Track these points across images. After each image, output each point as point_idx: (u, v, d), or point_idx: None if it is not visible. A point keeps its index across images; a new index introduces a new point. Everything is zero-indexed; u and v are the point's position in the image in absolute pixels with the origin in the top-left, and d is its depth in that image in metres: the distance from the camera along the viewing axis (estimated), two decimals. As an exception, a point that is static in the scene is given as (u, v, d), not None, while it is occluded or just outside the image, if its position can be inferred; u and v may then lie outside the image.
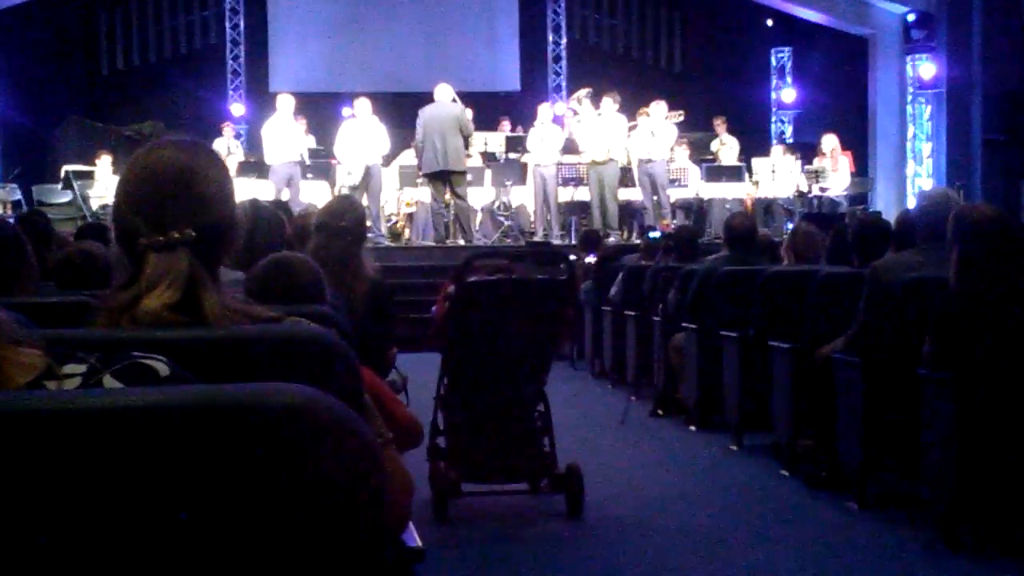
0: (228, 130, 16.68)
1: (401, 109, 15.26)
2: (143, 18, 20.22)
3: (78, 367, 1.45)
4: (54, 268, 4.04)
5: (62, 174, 15.43)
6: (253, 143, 17.36)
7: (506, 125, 16.52)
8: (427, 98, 14.62)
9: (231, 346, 1.72)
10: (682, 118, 15.38)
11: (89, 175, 15.31)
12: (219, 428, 1.21)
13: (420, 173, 14.15)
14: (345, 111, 16.52)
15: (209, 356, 1.67)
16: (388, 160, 15.02)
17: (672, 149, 15.03)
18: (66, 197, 15.29)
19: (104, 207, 14.57)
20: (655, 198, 14.67)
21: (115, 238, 1.87)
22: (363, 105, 14.28)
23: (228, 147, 15.82)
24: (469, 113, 14.09)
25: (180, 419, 1.22)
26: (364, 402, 1.76)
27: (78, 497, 1.20)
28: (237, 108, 19.66)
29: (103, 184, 15.00)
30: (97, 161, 15.39)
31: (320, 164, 15.15)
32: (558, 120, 15.72)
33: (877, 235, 6.12)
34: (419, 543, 2.64)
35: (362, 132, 14.15)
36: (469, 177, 14.26)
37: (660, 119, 14.75)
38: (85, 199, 14.94)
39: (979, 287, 4.63)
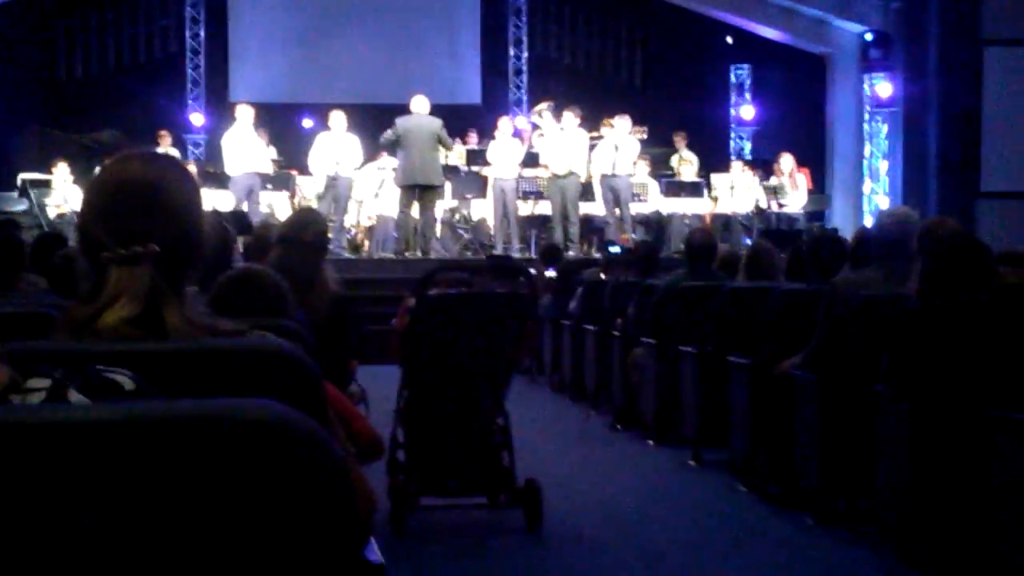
0: (165, 139, 16.43)
1: (362, 121, 15.19)
2: (102, 26, 20.04)
3: (42, 381, 1.45)
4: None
5: (18, 182, 15.28)
6: (212, 152, 17.20)
7: (473, 137, 16.47)
8: (388, 110, 14.57)
9: (196, 360, 1.72)
10: (645, 136, 15.42)
11: (46, 183, 15.16)
12: (187, 443, 1.21)
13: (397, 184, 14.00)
14: (306, 122, 16.41)
15: (174, 370, 1.66)
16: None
17: (634, 164, 15.07)
18: (22, 205, 15.14)
19: (61, 216, 14.43)
20: (617, 212, 14.70)
21: (80, 250, 1.86)
22: (338, 118, 14.23)
23: None
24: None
25: (148, 434, 1.22)
26: (329, 416, 1.77)
27: (44, 511, 1.20)
28: (196, 118, 19.51)
29: (60, 193, 14.87)
30: (54, 169, 15.21)
31: (280, 175, 15.08)
32: (518, 133, 15.72)
33: (832, 251, 6.17)
34: (380, 558, 2.64)
35: (335, 145, 14.10)
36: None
37: (624, 134, 14.77)
38: (42, 208, 14.79)
39: (940, 302, 4.67)
